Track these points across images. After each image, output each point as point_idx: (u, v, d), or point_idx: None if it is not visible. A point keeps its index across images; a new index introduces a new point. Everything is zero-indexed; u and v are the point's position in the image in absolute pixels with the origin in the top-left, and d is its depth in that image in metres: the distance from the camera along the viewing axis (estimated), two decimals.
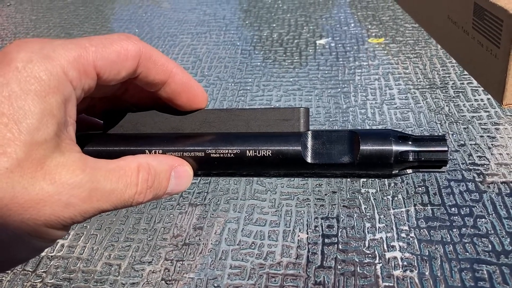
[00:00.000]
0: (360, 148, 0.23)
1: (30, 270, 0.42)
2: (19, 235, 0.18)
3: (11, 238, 0.18)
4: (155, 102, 0.25)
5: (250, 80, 0.69)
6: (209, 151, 0.23)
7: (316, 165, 0.23)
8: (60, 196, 0.18)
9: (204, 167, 0.24)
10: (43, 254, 0.43)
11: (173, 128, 0.25)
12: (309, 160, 0.23)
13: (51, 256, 0.43)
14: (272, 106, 0.25)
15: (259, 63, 0.74)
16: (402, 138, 0.23)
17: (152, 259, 0.42)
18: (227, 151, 0.23)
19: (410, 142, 0.23)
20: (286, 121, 0.24)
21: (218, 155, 0.23)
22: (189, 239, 0.43)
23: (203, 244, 0.43)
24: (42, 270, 0.42)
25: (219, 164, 0.23)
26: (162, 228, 0.45)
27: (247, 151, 0.23)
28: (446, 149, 0.23)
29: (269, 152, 0.23)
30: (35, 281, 0.41)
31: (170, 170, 0.22)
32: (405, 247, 0.40)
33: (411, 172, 0.23)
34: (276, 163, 0.23)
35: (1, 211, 0.17)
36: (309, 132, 0.24)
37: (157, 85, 0.23)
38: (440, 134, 0.24)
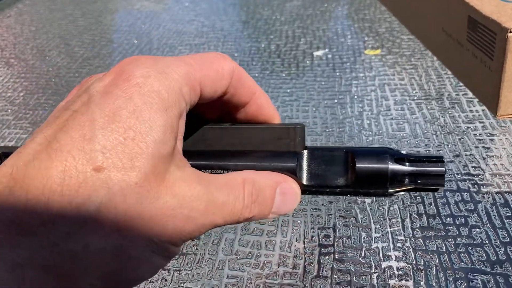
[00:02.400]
0: (356, 170, 0.23)
1: None
2: (146, 252, 0.18)
3: (139, 256, 0.18)
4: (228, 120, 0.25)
5: None
6: (204, 171, 0.23)
7: (312, 186, 0.24)
8: (182, 209, 0.18)
9: None
10: None
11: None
12: (304, 181, 0.23)
13: None
14: (270, 123, 0.25)
15: (257, 74, 0.75)
16: (399, 160, 0.23)
17: None
18: (221, 171, 0.23)
19: (406, 164, 0.23)
20: (281, 139, 0.24)
21: (209, 172, 0.23)
22: (186, 249, 0.43)
23: (200, 254, 0.43)
24: None
25: None
26: None
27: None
28: (443, 172, 0.23)
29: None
30: None
31: (275, 186, 0.22)
32: (401, 256, 0.41)
33: (407, 192, 0.24)
34: None
35: (131, 229, 0.17)
36: (305, 153, 0.23)
37: (240, 105, 0.24)
38: (437, 154, 0.24)
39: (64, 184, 0.16)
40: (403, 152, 0.23)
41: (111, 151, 0.17)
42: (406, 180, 0.23)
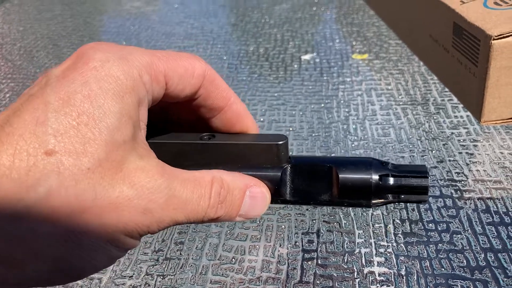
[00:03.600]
0: (340, 186, 0.23)
1: None
2: (99, 241, 0.17)
3: (91, 244, 0.17)
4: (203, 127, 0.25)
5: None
6: None
7: (296, 201, 0.24)
8: (140, 200, 0.18)
9: None
10: None
11: None
12: (288, 197, 0.24)
13: None
14: (253, 134, 0.24)
15: (244, 78, 0.75)
16: (383, 176, 0.23)
17: (133, 274, 0.42)
18: None
19: (390, 180, 0.23)
20: (264, 155, 0.23)
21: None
22: (170, 254, 0.44)
23: (184, 258, 0.43)
24: None
25: None
26: (144, 243, 0.45)
27: None
28: (427, 187, 0.22)
29: None
30: None
31: (245, 188, 0.22)
32: (383, 262, 0.41)
33: (391, 203, 0.24)
34: None
35: (82, 215, 0.17)
36: (288, 168, 0.23)
37: (214, 111, 0.23)
38: (422, 166, 0.24)
39: (14, 167, 0.16)
40: (388, 166, 0.23)
41: (63, 135, 0.17)
42: (390, 196, 0.23)
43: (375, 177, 0.23)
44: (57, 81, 0.18)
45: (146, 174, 0.18)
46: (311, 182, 0.24)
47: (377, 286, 0.39)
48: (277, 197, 0.24)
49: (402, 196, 0.23)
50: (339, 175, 0.23)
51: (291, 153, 0.57)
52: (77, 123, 0.17)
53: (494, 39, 0.52)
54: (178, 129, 0.25)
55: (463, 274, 0.39)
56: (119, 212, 0.17)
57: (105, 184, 0.17)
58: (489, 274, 0.39)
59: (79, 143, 0.17)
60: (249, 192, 0.22)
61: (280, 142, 0.23)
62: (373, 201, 0.23)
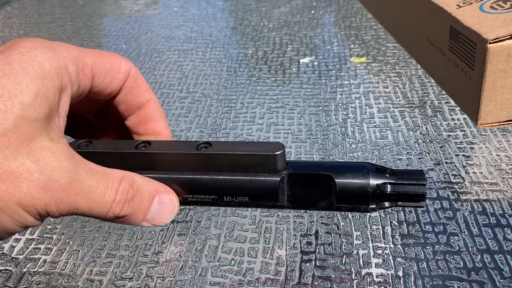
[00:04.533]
0: (337, 194, 0.23)
1: (12, 286, 0.42)
2: None
3: None
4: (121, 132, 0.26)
5: (234, 97, 0.71)
6: (186, 195, 0.24)
7: (294, 207, 0.24)
8: (40, 175, 0.18)
9: (184, 205, 0.24)
10: (24, 270, 0.44)
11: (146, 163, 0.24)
12: (286, 204, 0.24)
13: (33, 272, 0.43)
14: (249, 142, 0.24)
15: (243, 81, 0.76)
16: (380, 184, 0.23)
17: (133, 275, 0.42)
18: (204, 197, 0.24)
19: (388, 187, 0.23)
20: (261, 165, 0.23)
21: (195, 199, 0.24)
22: (170, 256, 0.44)
23: (183, 260, 0.43)
24: (24, 286, 0.42)
25: (197, 203, 0.24)
26: (144, 245, 0.45)
27: (224, 197, 0.24)
28: (425, 193, 0.23)
29: (246, 198, 0.24)
30: None
31: (154, 192, 0.22)
32: (380, 263, 0.41)
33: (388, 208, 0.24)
34: (253, 205, 0.24)
35: None
36: (285, 176, 0.24)
37: (132, 109, 0.24)
38: (420, 172, 0.24)
39: None
40: (386, 173, 0.23)
41: None
42: (387, 203, 0.23)
43: (373, 185, 0.23)
44: None
45: (52, 154, 0.19)
46: (309, 189, 0.24)
47: (375, 287, 0.39)
48: (275, 204, 0.24)
49: (400, 203, 0.24)
50: (337, 183, 0.23)
51: (289, 156, 0.58)
52: None
53: (490, 43, 0.52)
54: (97, 130, 0.26)
55: (459, 275, 0.39)
56: (17, 182, 0.18)
57: (7, 153, 0.18)
58: (486, 276, 0.39)
59: None
60: (158, 198, 0.22)
61: (278, 152, 0.23)
62: (371, 207, 0.24)
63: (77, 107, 0.22)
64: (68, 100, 0.21)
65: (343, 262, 0.42)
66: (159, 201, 0.22)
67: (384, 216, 0.46)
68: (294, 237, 0.45)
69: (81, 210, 0.20)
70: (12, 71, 0.18)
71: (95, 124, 0.27)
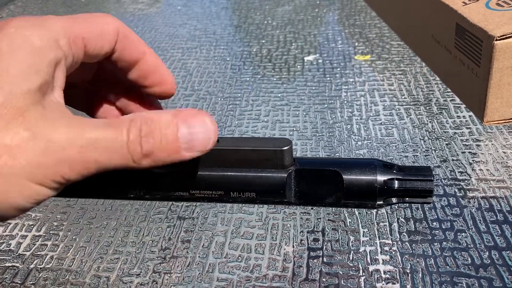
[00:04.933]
0: (345, 190, 0.23)
1: (19, 282, 0.42)
2: None
3: None
4: (126, 90, 0.26)
5: (239, 95, 0.71)
6: (193, 191, 0.23)
7: (301, 203, 0.24)
8: (36, 141, 0.17)
9: (191, 201, 0.24)
10: (31, 266, 0.44)
11: None
12: (293, 201, 0.24)
13: (40, 268, 0.43)
14: (256, 137, 0.24)
15: (248, 78, 0.75)
16: (388, 180, 0.23)
17: (141, 272, 0.42)
18: (211, 193, 0.23)
19: (395, 183, 0.23)
20: (269, 160, 0.23)
21: (202, 195, 0.24)
22: (177, 252, 0.44)
23: (190, 257, 0.43)
24: (31, 282, 0.42)
25: (204, 199, 0.24)
26: (151, 241, 0.45)
27: (231, 193, 0.24)
28: (432, 189, 0.23)
29: (253, 194, 0.24)
30: None
31: (175, 118, 0.19)
32: (388, 260, 0.41)
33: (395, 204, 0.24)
34: (260, 202, 0.24)
35: None
36: (293, 172, 0.23)
37: (130, 64, 0.24)
38: (427, 169, 0.24)
39: None
40: (393, 169, 0.23)
41: None
42: (394, 199, 0.23)
43: (380, 181, 0.23)
44: None
45: (47, 121, 0.18)
46: (316, 185, 0.24)
47: (383, 284, 0.39)
48: (282, 200, 0.24)
49: (407, 199, 0.24)
50: (344, 179, 0.23)
51: (295, 153, 0.58)
52: None
53: (496, 40, 0.52)
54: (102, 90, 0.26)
55: (468, 272, 0.39)
56: (13, 154, 0.17)
57: None
58: (494, 272, 0.39)
59: None
60: (183, 121, 0.20)
61: (285, 148, 0.23)
62: (378, 203, 0.24)
63: (71, 77, 0.22)
64: (63, 72, 0.20)
65: (351, 258, 0.42)
66: (186, 125, 0.20)
67: (391, 213, 0.46)
68: (301, 234, 0.45)
69: (101, 163, 0.18)
70: (2, 48, 0.18)
71: (92, 91, 0.27)
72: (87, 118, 0.19)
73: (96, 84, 0.26)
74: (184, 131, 0.19)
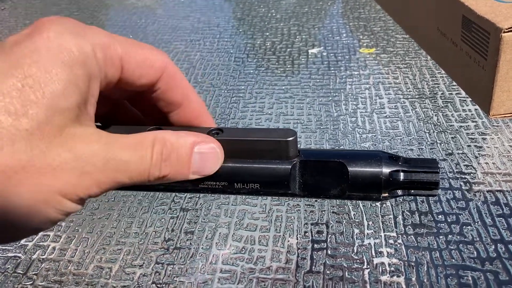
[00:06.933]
0: (350, 181, 0.22)
1: (21, 272, 0.42)
2: (34, 201, 0.18)
3: (26, 204, 0.18)
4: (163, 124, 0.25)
5: (243, 87, 0.70)
6: (196, 182, 0.23)
7: (305, 195, 0.24)
8: (76, 163, 0.18)
9: (194, 192, 0.24)
10: (34, 256, 0.43)
11: None
12: (297, 192, 0.24)
13: (43, 258, 0.43)
14: (261, 128, 0.24)
15: (252, 71, 0.75)
16: (393, 172, 0.23)
17: (143, 263, 0.42)
18: (215, 184, 0.23)
19: (401, 175, 0.23)
20: (274, 151, 0.23)
21: (206, 186, 0.23)
22: (180, 243, 0.44)
23: (194, 248, 0.43)
24: (33, 273, 0.42)
25: (208, 191, 0.24)
26: (154, 232, 0.45)
27: (235, 184, 0.23)
28: (438, 181, 0.22)
29: (257, 185, 0.23)
30: (26, 283, 0.41)
31: (192, 145, 0.21)
32: (393, 253, 0.41)
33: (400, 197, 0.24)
34: (264, 193, 0.24)
35: (18, 175, 0.17)
36: (297, 163, 0.23)
37: (172, 106, 0.24)
38: (433, 161, 0.24)
39: None
40: (399, 161, 0.23)
41: (5, 95, 0.17)
42: (400, 192, 0.23)
43: (386, 172, 0.23)
44: (11, 47, 0.18)
45: (83, 141, 0.19)
46: (321, 177, 0.23)
47: (388, 276, 0.39)
48: (286, 191, 0.24)
49: (412, 191, 0.23)
50: (349, 171, 0.23)
51: (299, 146, 0.57)
52: (22, 85, 0.17)
53: (504, 32, 0.51)
54: (140, 121, 0.26)
55: (473, 265, 0.39)
56: (55, 174, 0.18)
57: (42, 147, 0.17)
58: (500, 265, 0.39)
59: (20, 104, 0.17)
60: (198, 149, 0.21)
61: (290, 139, 0.23)
62: (383, 195, 0.23)
63: (108, 93, 0.22)
64: (97, 87, 0.20)
65: (355, 251, 0.41)
66: (199, 152, 0.21)
67: (396, 205, 0.46)
68: (305, 226, 0.44)
69: (123, 182, 0.20)
70: (41, 59, 0.18)
71: (129, 107, 0.26)
72: (114, 134, 0.20)
73: (134, 103, 0.26)
74: (197, 158, 0.21)
